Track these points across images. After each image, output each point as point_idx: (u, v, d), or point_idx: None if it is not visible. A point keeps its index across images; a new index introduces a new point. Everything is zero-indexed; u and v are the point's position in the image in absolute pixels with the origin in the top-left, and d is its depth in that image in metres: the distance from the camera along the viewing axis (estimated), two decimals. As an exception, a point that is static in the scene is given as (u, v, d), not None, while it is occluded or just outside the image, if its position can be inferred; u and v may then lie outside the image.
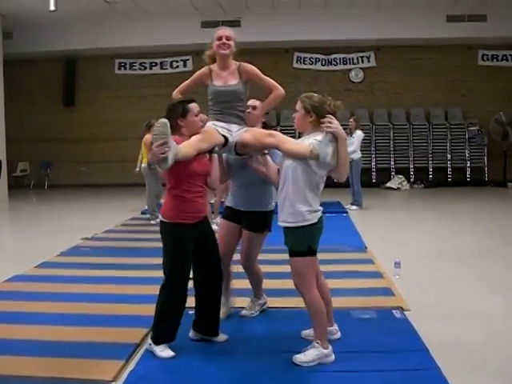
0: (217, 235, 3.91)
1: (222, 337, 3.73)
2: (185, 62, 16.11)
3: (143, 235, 7.81)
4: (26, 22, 14.18)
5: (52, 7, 11.78)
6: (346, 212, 9.97)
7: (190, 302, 3.69)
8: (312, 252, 3.35)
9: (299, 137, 3.54)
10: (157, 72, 16.25)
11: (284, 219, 3.38)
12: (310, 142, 3.29)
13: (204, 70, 3.96)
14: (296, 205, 3.30)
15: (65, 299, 4.71)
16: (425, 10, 14.00)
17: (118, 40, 15.03)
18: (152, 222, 8.76)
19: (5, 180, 12.60)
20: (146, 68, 16.48)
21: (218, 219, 7.97)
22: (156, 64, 16.39)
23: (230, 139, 3.66)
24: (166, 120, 3.21)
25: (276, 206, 3.80)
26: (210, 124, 3.76)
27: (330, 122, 3.26)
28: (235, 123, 3.79)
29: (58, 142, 16.38)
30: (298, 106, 3.45)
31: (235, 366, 3.37)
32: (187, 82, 4.07)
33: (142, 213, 9.72)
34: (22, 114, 15.79)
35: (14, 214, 11.70)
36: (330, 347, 3.35)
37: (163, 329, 3.49)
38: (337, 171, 3.36)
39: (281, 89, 3.94)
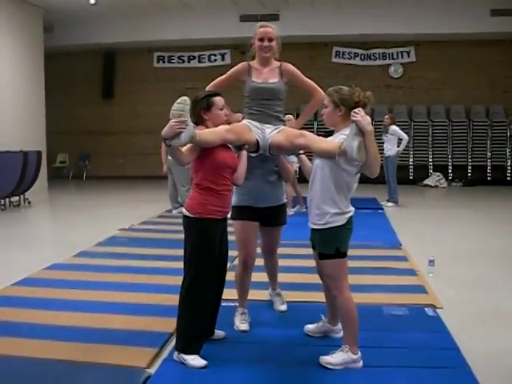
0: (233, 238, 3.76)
1: (219, 334, 3.64)
2: (223, 55, 16.19)
3: (179, 227, 7.87)
4: (67, 15, 14.43)
5: (92, 0, 12.01)
6: (382, 209, 9.91)
7: (228, 294, 3.76)
8: (341, 254, 3.25)
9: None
10: (195, 65, 16.36)
11: (312, 220, 3.33)
12: (340, 138, 3.20)
13: (242, 65, 3.91)
14: (322, 206, 3.22)
15: (101, 288, 4.82)
16: (467, 4, 13.68)
17: (156, 33, 15.19)
18: (174, 211, 9.24)
19: (44, 171, 12.88)
20: (184, 61, 16.63)
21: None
22: (194, 57, 16.52)
23: (261, 142, 3.60)
24: (186, 97, 3.14)
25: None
26: (244, 121, 3.72)
27: (355, 112, 3.11)
28: (270, 123, 3.72)
29: (97, 134, 16.67)
30: (326, 100, 3.33)
31: (258, 353, 3.44)
32: (223, 77, 3.98)
33: (182, 205, 9.79)
34: (62, 106, 16.07)
35: (53, 204, 11.98)
36: (360, 354, 3.25)
37: (194, 337, 3.29)
38: (366, 167, 3.21)
39: (322, 92, 3.80)
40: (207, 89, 3.90)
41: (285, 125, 3.86)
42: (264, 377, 3.15)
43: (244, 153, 3.55)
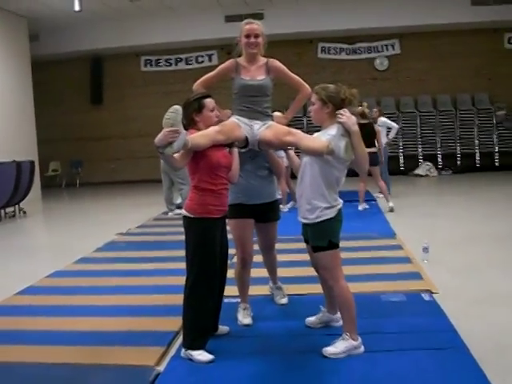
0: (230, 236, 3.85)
1: (223, 329, 3.75)
2: (210, 56, 16.28)
3: (176, 229, 7.96)
4: (52, 23, 14.49)
5: (77, 7, 12.08)
6: (375, 200, 10.03)
7: (229, 291, 3.87)
8: (334, 246, 3.35)
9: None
10: (182, 68, 16.43)
11: (302, 215, 3.42)
12: (326, 137, 3.29)
13: (230, 62, 3.97)
14: (313, 201, 3.32)
15: (104, 292, 4.91)
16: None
17: (143, 37, 15.26)
18: (170, 213, 9.36)
19: (38, 180, 12.90)
20: (171, 64, 16.70)
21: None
22: (181, 60, 16.59)
23: (250, 138, 3.70)
24: (178, 106, 3.24)
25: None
26: (233, 118, 3.81)
27: (341, 114, 3.23)
28: (258, 119, 3.81)
29: (88, 141, 16.73)
30: (314, 98, 3.42)
31: (262, 346, 3.55)
32: (211, 74, 4.03)
33: (178, 207, 9.76)
34: (52, 114, 16.10)
35: (48, 213, 12.01)
36: (360, 339, 3.36)
37: (199, 333, 3.40)
38: (355, 165, 3.34)
39: (308, 88, 3.92)
40: (195, 86, 3.98)
41: (272, 120, 3.94)
42: (269, 368, 3.26)
43: (235, 150, 3.65)
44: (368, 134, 8.89)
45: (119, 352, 3.55)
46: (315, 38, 15.85)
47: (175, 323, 3.86)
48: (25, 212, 10.84)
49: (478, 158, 15.12)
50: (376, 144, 9.24)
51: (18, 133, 12.87)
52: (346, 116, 3.22)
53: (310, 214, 3.36)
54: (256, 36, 3.88)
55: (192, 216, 3.43)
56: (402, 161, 15.26)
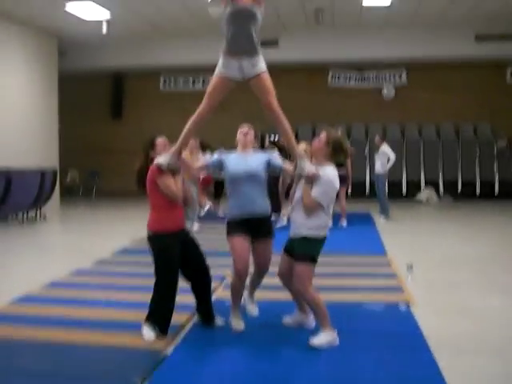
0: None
1: (219, 320, 4.44)
2: (226, 78, 16.97)
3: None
4: (79, 42, 15.27)
5: (104, 31, 12.92)
6: (374, 222, 10.64)
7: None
8: (314, 260, 4.02)
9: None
10: (199, 89, 17.11)
11: (295, 231, 4.08)
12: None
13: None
14: (308, 220, 3.99)
15: (121, 289, 5.60)
16: (454, 30, 14.43)
17: (162, 58, 15.98)
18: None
19: (57, 188, 13.58)
20: (188, 84, 17.50)
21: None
22: (198, 81, 17.35)
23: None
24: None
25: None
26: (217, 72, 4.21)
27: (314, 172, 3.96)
28: (247, 48, 4.09)
29: (106, 153, 17.48)
30: (323, 135, 4.05)
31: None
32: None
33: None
34: (73, 125, 16.86)
35: (67, 218, 12.76)
36: (335, 331, 3.99)
37: (156, 316, 4.17)
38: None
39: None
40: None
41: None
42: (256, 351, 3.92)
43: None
44: None
45: (134, 337, 4.21)
46: (327, 66, 16.53)
47: (182, 317, 4.51)
48: (45, 217, 11.54)
49: (478, 186, 15.70)
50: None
51: (42, 141, 13.61)
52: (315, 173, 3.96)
53: (303, 229, 4.01)
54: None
55: (153, 233, 4.25)
56: (404, 186, 15.87)
